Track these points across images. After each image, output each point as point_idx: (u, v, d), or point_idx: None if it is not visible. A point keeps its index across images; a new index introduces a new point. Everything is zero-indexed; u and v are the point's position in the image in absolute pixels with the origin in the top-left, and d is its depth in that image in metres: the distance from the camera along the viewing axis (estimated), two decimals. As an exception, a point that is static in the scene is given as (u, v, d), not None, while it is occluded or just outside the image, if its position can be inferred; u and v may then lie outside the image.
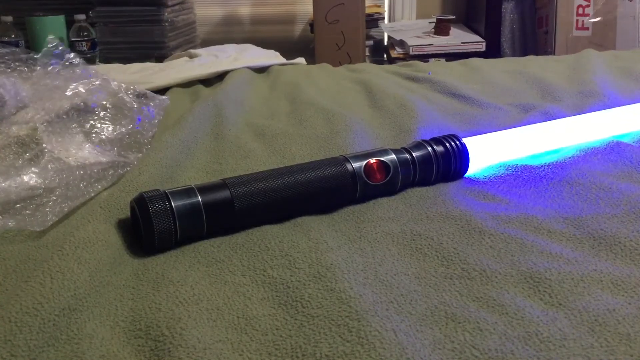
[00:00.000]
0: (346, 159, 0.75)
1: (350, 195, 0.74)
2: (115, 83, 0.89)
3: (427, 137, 0.83)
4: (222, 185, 0.69)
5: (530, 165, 0.84)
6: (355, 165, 0.74)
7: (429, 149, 0.79)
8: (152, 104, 0.92)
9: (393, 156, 0.76)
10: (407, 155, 0.78)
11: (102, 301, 0.55)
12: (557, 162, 0.86)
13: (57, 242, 0.64)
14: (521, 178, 0.81)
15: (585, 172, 0.81)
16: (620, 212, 0.69)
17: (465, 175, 0.82)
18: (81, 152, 0.83)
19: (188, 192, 0.67)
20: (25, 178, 0.75)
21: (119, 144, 0.87)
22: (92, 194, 0.75)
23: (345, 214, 0.72)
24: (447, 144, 0.80)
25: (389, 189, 0.75)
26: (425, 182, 0.79)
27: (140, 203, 0.65)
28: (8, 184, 0.73)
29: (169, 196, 0.65)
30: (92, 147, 0.84)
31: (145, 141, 0.90)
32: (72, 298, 0.54)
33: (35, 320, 0.50)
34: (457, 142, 0.81)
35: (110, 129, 0.87)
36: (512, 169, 0.84)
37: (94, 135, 0.85)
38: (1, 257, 0.63)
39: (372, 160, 0.75)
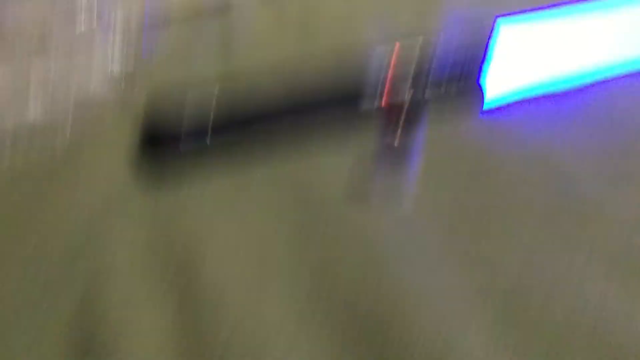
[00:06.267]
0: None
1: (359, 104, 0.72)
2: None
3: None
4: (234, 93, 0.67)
5: (556, 93, 0.81)
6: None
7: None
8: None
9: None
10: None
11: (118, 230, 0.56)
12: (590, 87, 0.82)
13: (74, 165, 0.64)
14: (543, 107, 0.78)
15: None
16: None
17: (485, 102, 0.80)
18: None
19: (193, 95, 0.66)
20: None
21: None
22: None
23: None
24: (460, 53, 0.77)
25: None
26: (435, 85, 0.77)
27: (150, 115, 0.65)
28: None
29: (177, 103, 0.65)
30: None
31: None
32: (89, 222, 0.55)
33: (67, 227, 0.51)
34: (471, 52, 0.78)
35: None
36: (535, 95, 0.81)
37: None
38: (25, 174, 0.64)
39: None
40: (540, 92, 0.83)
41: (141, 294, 0.50)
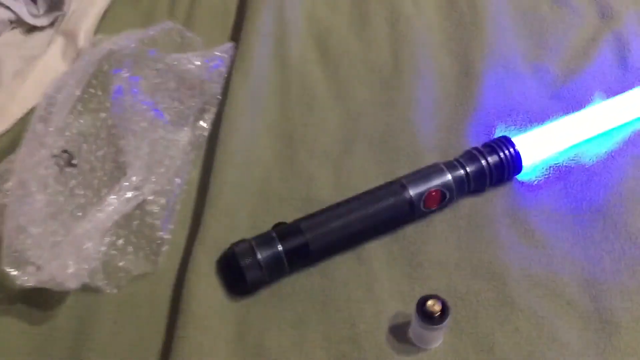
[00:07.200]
0: (405, 187, 0.82)
1: (406, 221, 0.85)
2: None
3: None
4: (298, 229, 0.80)
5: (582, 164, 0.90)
6: (414, 194, 0.82)
7: (483, 162, 0.86)
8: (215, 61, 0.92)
9: (450, 179, 0.84)
10: (463, 174, 0.85)
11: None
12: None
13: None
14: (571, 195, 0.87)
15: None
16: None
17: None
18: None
19: (270, 241, 0.79)
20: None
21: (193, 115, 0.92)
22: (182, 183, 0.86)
23: (402, 242, 0.84)
24: (501, 154, 0.86)
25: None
26: (476, 191, 0.87)
27: (233, 257, 0.78)
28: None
29: (255, 249, 0.78)
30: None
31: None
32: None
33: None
34: (511, 150, 0.87)
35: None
36: (561, 169, 0.91)
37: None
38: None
39: (432, 190, 0.83)
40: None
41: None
